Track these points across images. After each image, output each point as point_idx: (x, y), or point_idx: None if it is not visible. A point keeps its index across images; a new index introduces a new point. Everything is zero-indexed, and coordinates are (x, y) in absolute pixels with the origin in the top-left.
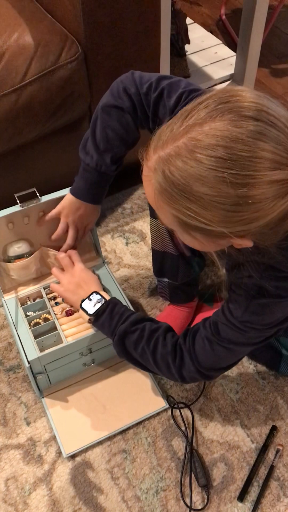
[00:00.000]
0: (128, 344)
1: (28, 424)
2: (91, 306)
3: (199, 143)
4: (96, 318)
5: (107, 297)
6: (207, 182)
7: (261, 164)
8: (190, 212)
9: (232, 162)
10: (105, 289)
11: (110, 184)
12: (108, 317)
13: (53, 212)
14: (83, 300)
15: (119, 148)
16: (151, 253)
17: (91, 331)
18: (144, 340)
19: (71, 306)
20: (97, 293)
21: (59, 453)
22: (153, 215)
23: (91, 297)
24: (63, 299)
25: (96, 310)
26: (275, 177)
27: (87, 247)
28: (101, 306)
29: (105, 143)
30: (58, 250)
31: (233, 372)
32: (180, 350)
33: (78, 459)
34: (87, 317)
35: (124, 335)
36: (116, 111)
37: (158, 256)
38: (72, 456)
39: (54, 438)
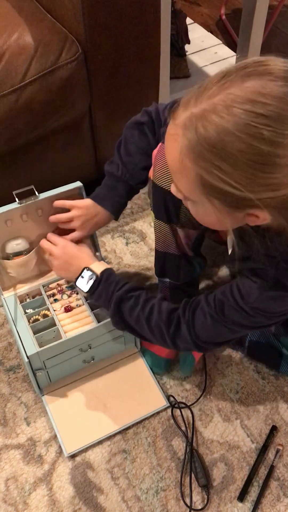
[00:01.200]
0: (124, 310)
1: (28, 424)
2: (84, 283)
3: (238, 98)
4: (92, 292)
5: (99, 271)
6: (243, 138)
7: None
8: (218, 171)
9: (271, 119)
10: None
11: (129, 199)
12: (104, 286)
13: (67, 202)
14: (76, 279)
15: (140, 159)
16: (151, 253)
17: (90, 326)
18: (139, 306)
19: (70, 302)
20: (88, 268)
21: (59, 453)
22: (158, 216)
23: (82, 274)
24: (61, 296)
25: (90, 287)
26: None
27: (86, 244)
28: (94, 282)
29: (127, 155)
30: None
31: (233, 372)
32: (177, 320)
33: (78, 459)
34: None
35: (120, 301)
36: (137, 126)
37: (160, 256)
38: (72, 456)
39: (54, 438)
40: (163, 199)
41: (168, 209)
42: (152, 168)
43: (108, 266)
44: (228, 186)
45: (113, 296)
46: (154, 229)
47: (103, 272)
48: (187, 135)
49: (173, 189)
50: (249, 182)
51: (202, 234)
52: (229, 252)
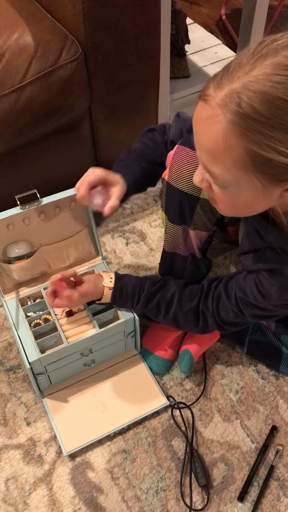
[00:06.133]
0: (150, 317)
1: (28, 424)
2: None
3: (278, 66)
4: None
5: (108, 297)
6: None
7: None
8: (271, 141)
9: None
10: None
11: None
12: (121, 303)
13: (116, 198)
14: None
15: (148, 154)
16: (151, 253)
17: (92, 331)
18: (162, 314)
19: None
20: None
21: (59, 453)
22: (170, 218)
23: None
24: None
25: (110, 304)
26: None
27: (87, 246)
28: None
29: (133, 151)
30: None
31: (233, 372)
32: (203, 315)
33: (78, 459)
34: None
35: (143, 314)
36: (148, 130)
37: (167, 257)
38: (72, 456)
39: (54, 438)
40: (179, 201)
41: (183, 211)
42: (167, 170)
43: (111, 283)
44: (281, 156)
45: (134, 310)
46: (165, 231)
47: (112, 293)
48: (230, 111)
49: (196, 179)
50: None
51: (211, 236)
52: (240, 248)
